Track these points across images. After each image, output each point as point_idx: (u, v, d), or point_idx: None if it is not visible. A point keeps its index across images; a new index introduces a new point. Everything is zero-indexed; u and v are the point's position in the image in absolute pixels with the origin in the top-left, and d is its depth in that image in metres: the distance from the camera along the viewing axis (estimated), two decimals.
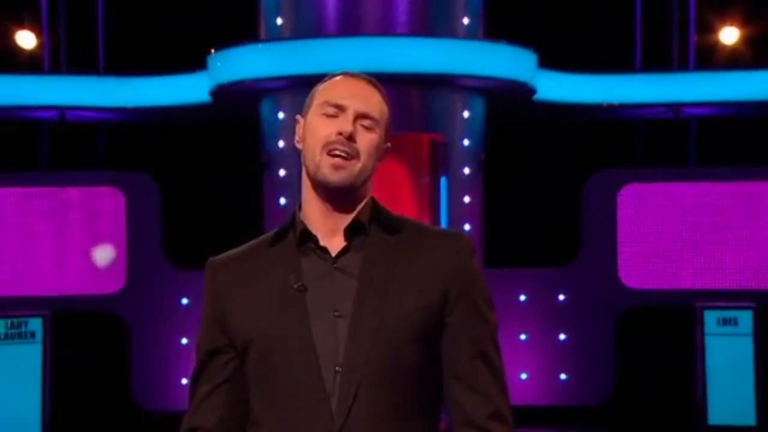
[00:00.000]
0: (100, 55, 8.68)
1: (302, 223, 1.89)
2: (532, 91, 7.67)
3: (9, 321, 7.07)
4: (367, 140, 1.86)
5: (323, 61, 7.00)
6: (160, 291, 7.81)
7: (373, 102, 1.89)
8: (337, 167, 1.83)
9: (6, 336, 7.04)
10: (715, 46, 9.10)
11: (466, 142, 7.48)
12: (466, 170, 7.50)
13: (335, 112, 1.86)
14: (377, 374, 1.79)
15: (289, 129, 7.42)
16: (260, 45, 7.45)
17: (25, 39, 8.96)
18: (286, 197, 7.39)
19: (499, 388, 1.86)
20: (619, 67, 8.58)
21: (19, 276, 7.74)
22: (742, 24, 9.09)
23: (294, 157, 7.75)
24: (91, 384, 8.00)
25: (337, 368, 1.80)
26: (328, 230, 1.88)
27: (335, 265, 1.85)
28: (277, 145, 7.46)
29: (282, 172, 7.43)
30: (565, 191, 8.49)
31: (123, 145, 8.89)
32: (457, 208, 7.45)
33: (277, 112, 7.47)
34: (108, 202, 7.90)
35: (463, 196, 7.50)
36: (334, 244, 1.87)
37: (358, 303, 1.82)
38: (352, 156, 1.84)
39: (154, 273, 7.83)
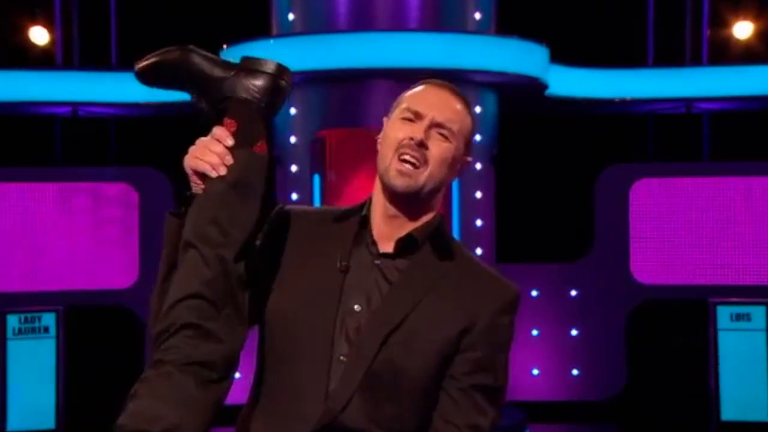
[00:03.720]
0: (112, 50, 8.71)
1: (368, 210, 1.91)
2: (544, 87, 7.65)
3: (23, 316, 7.10)
4: (440, 149, 1.86)
5: (335, 56, 7.01)
6: None
7: (453, 113, 1.89)
8: (402, 173, 1.84)
9: (20, 331, 7.07)
10: (729, 40, 9.06)
11: (477, 137, 7.47)
12: (478, 166, 7.49)
13: (413, 118, 1.87)
14: (376, 382, 1.80)
15: (300, 124, 7.43)
16: (272, 40, 7.46)
17: (38, 34, 8.99)
18: (298, 192, 7.39)
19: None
20: (631, 62, 8.56)
21: (33, 271, 7.78)
22: (756, 18, 9.05)
23: (305, 152, 7.80)
24: (105, 378, 8.04)
25: (341, 358, 1.81)
26: (386, 231, 1.89)
27: (377, 262, 1.87)
28: (289, 140, 7.46)
29: (294, 168, 7.43)
30: (577, 186, 8.48)
31: (135, 141, 8.92)
32: (468, 203, 7.44)
33: (289, 108, 7.47)
34: (121, 197, 7.93)
35: (475, 191, 7.50)
36: (386, 243, 1.89)
37: (381, 307, 1.83)
38: (420, 163, 1.84)
39: None
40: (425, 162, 1.85)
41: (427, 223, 1.90)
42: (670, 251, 7.84)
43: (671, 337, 8.23)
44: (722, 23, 8.98)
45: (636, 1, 8.86)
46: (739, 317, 7.24)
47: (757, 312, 7.23)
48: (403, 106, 1.90)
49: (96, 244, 7.88)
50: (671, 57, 8.71)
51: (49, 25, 8.94)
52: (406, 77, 6.97)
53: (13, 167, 8.09)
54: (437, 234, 1.91)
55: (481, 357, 1.83)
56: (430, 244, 1.89)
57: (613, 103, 8.27)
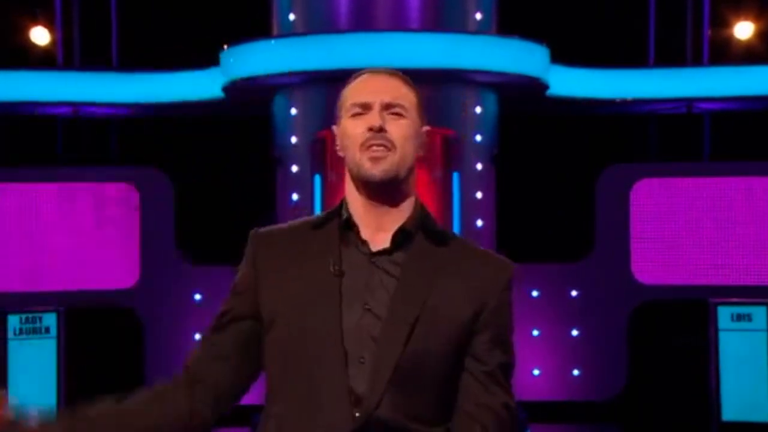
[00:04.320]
0: (113, 50, 8.71)
1: (348, 212, 1.91)
2: (545, 87, 7.65)
3: (24, 316, 7.11)
4: (399, 128, 1.88)
5: (336, 56, 7.01)
6: (173, 286, 7.84)
7: (397, 90, 1.91)
8: (376, 159, 1.86)
9: (21, 331, 7.07)
10: (730, 40, 9.05)
11: (478, 137, 7.47)
12: (479, 166, 7.49)
13: (362, 111, 1.89)
14: (403, 376, 1.81)
15: (301, 125, 7.43)
16: (273, 41, 7.46)
17: (39, 35, 8.99)
18: (298, 193, 7.40)
19: (507, 410, 1.90)
20: (632, 62, 8.56)
21: (34, 271, 7.78)
22: (757, 18, 9.04)
23: (306, 152, 7.80)
24: (106, 378, 8.04)
25: (361, 360, 1.82)
26: (372, 226, 1.90)
27: (373, 260, 1.87)
28: (289, 140, 7.47)
29: (294, 168, 7.43)
30: (577, 187, 8.47)
31: (136, 141, 8.92)
32: (469, 203, 7.44)
33: (289, 108, 7.48)
34: (122, 197, 7.93)
35: (476, 191, 7.49)
36: (376, 239, 1.89)
37: (394, 303, 1.84)
38: (388, 147, 1.86)
39: (167, 269, 7.86)
40: (392, 145, 1.87)
41: (415, 212, 1.92)
42: (670, 251, 7.84)
43: (672, 337, 8.22)
44: (723, 23, 8.97)
45: (637, 1, 8.86)
46: (739, 317, 7.24)
47: (757, 312, 7.23)
48: (348, 103, 1.91)
49: (97, 244, 7.88)
50: (672, 57, 8.71)
51: (49, 26, 8.93)
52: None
53: (14, 167, 8.09)
54: (426, 221, 1.92)
55: (495, 336, 1.87)
56: (422, 233, 1.91)
57: (614, 103, 8.27)
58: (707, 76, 8.29)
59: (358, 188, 1.90)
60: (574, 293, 7.92)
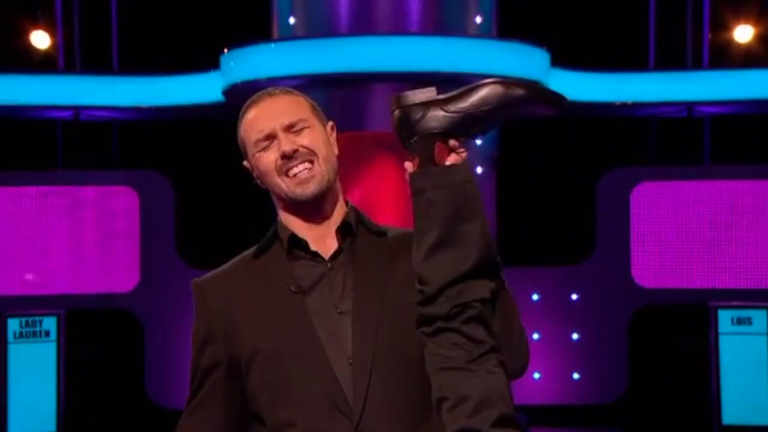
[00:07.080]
0: (114, 54, 8.72)
1: (288, 230, 1.92)
2: None
3: (24, 320, 7.10)
4: (309, 138, 1.91)
5: (336, 60, 7.01)
6: (173, 289, 7.84)
7: (288, 107, 1.93)
8: (303, 182, 1.89)
9: (21, 335, 7.07)
10: (730, 44, 9.06)
11: (478, 141, 7.48)
12: (479, 169, 7.49)
13: (267, 143, 1.91)
14: (386, 366, 1.84)
15: None
16: (273, 44, 7.46)
17: (40, 38, 9.00)
18: None
19: None
20: (632, 65, 8.56)
21: (34, 275, 7.78)
22: (757, 22, 9.05)
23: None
24: (106, 381, 8.04)
25: (350, 360, 1.84)
26: (316, 237, 1.93)
27: (330, 266, 1.90)
28: None
29: None
30: (578, 190, 8.48)
31: (137, 144, 8.93)
32: None
33: None
34: (122, 201, 7.93)
35: None
36: (324, 248, 1.92)
37: (357, 298, 1.87)
38: (311, 161, 1.89)
39: (168, 271, 7.86)
40: (312, 154, 1.90)
41: (349, 210, 1.95)
42: (671, 255, 7.84)
43: (672, 340, 8.22)
44: (723, 27, 8.98)
45: (637, 4, 8.86)
46: (740, 321, 7.23)
47: (758, 316, 7.22)
48: (252, 141, 1.93)
49: (97, 247, 7.88)
50: (672, 60, 8.71)
51: (50, 29, 8.94)
52: (407, 81, 7.02)
53: (15, 171, 8.09)
54: (360, 216, 1.96)
55: None
56: (363, 228, 1.95)
57: (614, 106, 8.27)
58: (708, 80, 8.29)
59: (293, 211, 1.92)
60: (574, 296, 7.92)
